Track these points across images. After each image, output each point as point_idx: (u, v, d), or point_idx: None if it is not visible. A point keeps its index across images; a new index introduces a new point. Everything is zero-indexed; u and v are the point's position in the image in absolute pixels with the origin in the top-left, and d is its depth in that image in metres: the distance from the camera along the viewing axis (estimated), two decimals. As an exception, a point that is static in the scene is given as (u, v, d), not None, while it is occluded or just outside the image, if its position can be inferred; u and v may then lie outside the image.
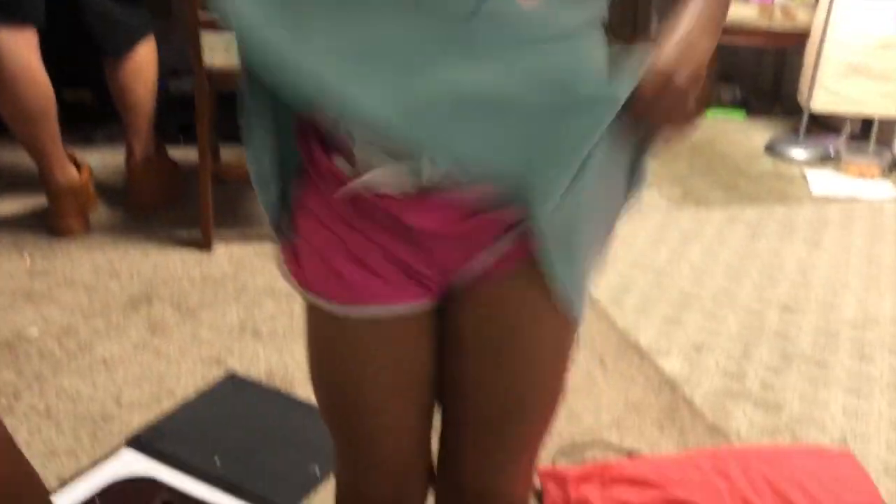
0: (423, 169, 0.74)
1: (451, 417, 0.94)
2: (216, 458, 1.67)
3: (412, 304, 0.81)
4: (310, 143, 0.81)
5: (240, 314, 2.15)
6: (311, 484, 1.62)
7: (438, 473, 0.99)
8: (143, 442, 1.70)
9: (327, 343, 0.84)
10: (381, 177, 0.75)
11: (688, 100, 0.80)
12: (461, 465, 0.95)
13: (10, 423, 1.71)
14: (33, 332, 2.03)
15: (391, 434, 0.90)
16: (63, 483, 1.58)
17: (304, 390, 1.87)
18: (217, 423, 1.78)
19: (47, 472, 1.60)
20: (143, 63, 2.52)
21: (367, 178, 0.76)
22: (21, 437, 1.69)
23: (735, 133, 3.72)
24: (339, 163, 0.78)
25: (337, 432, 0.93)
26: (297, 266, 0.80)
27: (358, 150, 0.77)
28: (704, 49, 0.82)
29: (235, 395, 1.87)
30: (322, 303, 0.80)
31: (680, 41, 0.80)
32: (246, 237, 2.54)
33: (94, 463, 1.63)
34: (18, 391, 1.82)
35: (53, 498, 1.52)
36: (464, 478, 0.95)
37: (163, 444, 1.69)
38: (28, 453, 1.62)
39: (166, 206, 2.68)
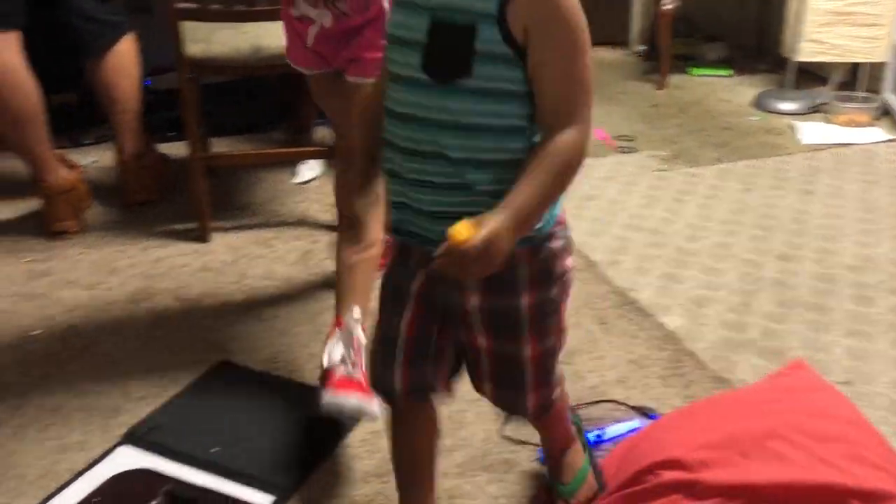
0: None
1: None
2: (213, 445, 1.65)
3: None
4: None
5: (240, 302, 2.16)
6: (311, 465, 1.61)
7: None
8: (138, 436, 1.68)
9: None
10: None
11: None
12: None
13: (19, 423, 1.73)
14: (37, 333, 2.03)
15: None
16: (78, 475, 1.59)
17: (308, 372, 1.88)
18: (212, 411, 1.76)
19: (60, 467, 1.61)
20: (124, 58, 2.52)
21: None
22: (30, 435, 1.70)
23: (723, 91, 3.72)
24: None
25: None
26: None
27: None
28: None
29: (228, 381, 1.86)
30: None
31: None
32: (242, 226, 2.55)
33: (99, 458, 1.64)
34: (26, 391, 1.83)
35: (56, 498, 1.53)
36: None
37: (158, 437, 1.67)
38: (39, 450, 1.65)
39: (160, 201, 2.69)
